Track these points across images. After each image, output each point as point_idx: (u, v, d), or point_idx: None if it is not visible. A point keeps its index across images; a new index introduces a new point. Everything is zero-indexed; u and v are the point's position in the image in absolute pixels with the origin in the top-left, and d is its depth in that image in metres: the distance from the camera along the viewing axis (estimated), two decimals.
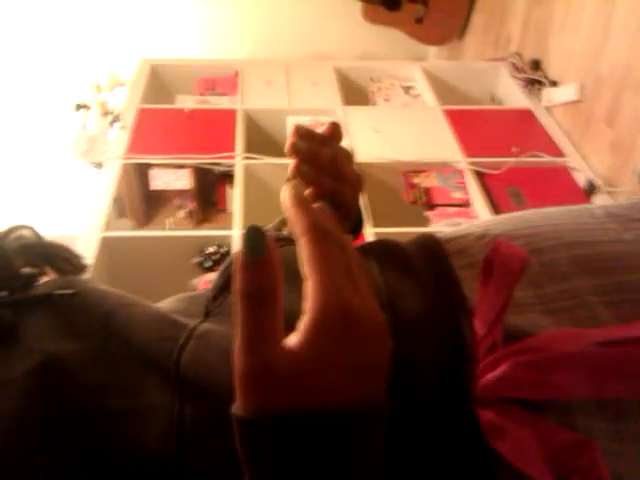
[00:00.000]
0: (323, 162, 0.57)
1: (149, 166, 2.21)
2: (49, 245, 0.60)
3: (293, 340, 0.35)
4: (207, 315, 0.56)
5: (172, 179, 2.29)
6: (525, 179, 2.11)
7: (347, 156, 0.60)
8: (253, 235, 0.36)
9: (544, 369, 0.45)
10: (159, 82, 2.77)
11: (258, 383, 0.35)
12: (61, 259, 0.60)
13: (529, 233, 0.61)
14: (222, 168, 2.23)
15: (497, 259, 0.51)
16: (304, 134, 0.57)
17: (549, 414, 0.47)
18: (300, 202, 0.39)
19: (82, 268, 0.62)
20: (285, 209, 0.39)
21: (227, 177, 2.29)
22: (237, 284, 0.36)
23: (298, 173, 0.57)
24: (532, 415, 0.46)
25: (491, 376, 0.47)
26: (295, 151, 0.56)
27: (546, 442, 0.44)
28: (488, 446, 0.45)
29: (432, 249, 0.60)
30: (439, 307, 0.53)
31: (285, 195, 0.40)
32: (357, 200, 0.63)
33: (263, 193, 2.15)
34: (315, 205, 0.40)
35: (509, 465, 0.43)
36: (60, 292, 0.53)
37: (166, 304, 0.60)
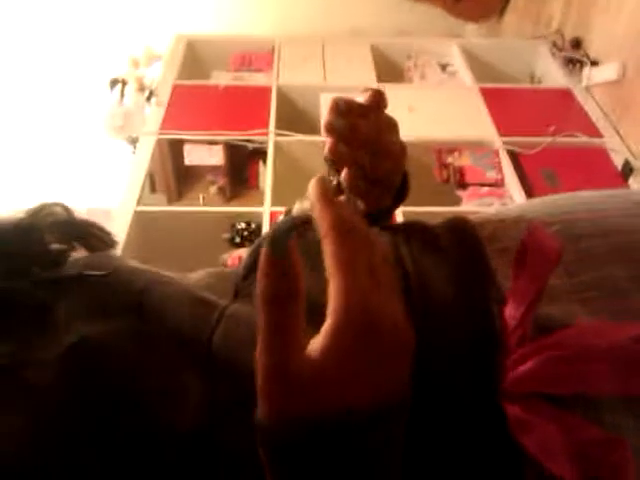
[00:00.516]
0: (362, 138, 0.56)
1: (183, 142, 2.23)
2: (80, 222, 0.60)
3: (315, 344, 0.35)
4: (237, 294, 0.55)
5: (206, 155, 2.30)
6: (561, 160, 2.06)
7: (390, 126, 0.58)
8: (277, 237, 0.36)
9: (575, 364, 0.45)
10: (194, 58, 2.77)
11: (279, 388, 0.35)
12: (92, 236, 0.60)
13: (566, 219, 0.59)
14: (255, 145, 2.24)
15: (532, 247, 0.50)
16: (342, 109, 0.55)
17: (577, 409, 0.46)
18: (326, 199, 0.38)
19: (112, 245, 0.63)
20: (311, 205, 0.38)
21: (259, 154, 2.30)
22: (259, 288, 0.36)
23: (334, 153, 0.56)
24: (560, 410, 0.45)
25: (521, 370, 0.46)
26: (331, 130, 0.55)
27: (574, 438, 0.43)
28: (515, 441, 0.44)
29: (465, 233, 0.59)
30: (471, 295, 0.52)
31: (311, 190, 0.39)
32: (400, 171, 0.62)
33: (294, 170, 2.15)
34: (341, 198, 0.40)
35: (536, 461, 0.43)
36: (92, 273, 0.53)
37: (198, 277, 0.60)
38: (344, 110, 0.55)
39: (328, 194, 0.38)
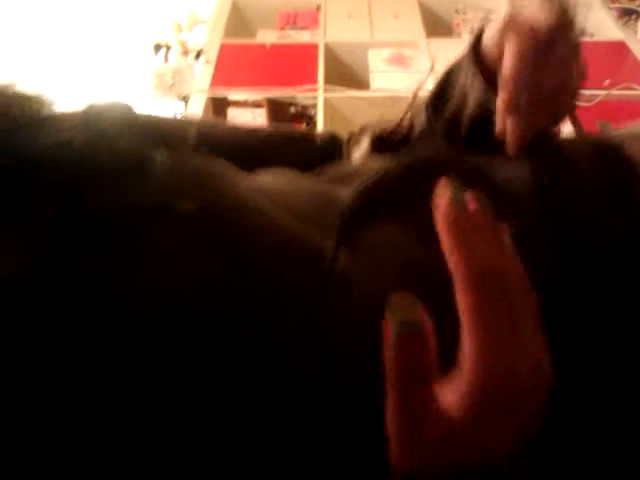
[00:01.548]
0: (544, 94, 0.52)
1: (227, 105, 2.23)
2: (158, 121, 0.56)
3: (450, 400, 0.33)
4: (340, 241, 0.49)
5: (249, 118, 2.30)
6: (617, 112, 2.02)
7: (573, 57, 0.54)
8: (402, 307, 0.32)
9: None
10: (240, 17, 2.76)
11: (413, 444, 0.33)
12: (176, 138, 0.56)
13: None
14: (302, 102, 2.23)
15: None
16: (530, 61, 0.51)
17: None
18: (460, 229, 0.32)
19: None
20: (439, 229, 0.33)
21: (303, 117, 2.29)
22: (389, 362, 0.33)
23: (511, 110, 0.52)
24: None
25: None
26: (514, 108, 0.51)
27: None
28: None
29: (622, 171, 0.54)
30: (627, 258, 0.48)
31: (439, 212, 0.33)
32: (570, 105, 0.59)
33: (344, 130, 2.13)
34: (473, 205, 0.32)
35: None
36: (181, 207, 0.44)
37: (296, 189, 0.55)
38: (531, 63, 0.50)
39: (461, 219, 0.32)
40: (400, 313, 0.32)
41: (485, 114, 0.63)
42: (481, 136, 0.65)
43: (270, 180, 0.57)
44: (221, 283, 0.42)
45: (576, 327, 0.45)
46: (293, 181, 0.57)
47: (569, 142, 0.63)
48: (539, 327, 0.32)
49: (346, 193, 0.54)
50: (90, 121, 0.48)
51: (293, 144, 0.75)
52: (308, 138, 0.76)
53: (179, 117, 0.66)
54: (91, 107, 0.51)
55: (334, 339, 0.43)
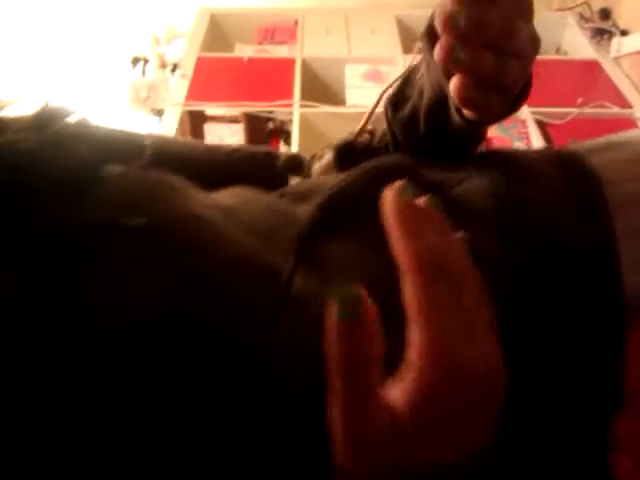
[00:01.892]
0: (490, 36, 0.44)
1: (204, 120, 2.22)
2: (112, 133, 0.54)
3: (395, 395, 0.31)
4: (298, 261, 0.47)
5: (226, 134, 2.30)
6: (589, 131, 2.04)
7: (522, 12, 0.47)
8: (346, 297, 0.31)
9: None
10: (218, 30, 2.76)
11: (358, 440, 0.31)
12: (130, 152, 0.53)
13: None
14: (278, 117, 2.23)
15: None
16: None
17: None
18: (406, 222, 0.31)
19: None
20: (386, 224, 0.32)
21: (280, 133, 2.29)
22: (330, 353, 0.31)
23: (448, 59, 0.45)
24: None
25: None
26: (450, 26, 0.44)
27: None
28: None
29: (579, 179, 0.52)
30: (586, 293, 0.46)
31: (387, 205, 0.32)
32: (528, 73, 0.50)
33: (319, 145, 2.13)
34: (423, 202, 0.32)
35: None
36: (131, 222, 0.43)
37: (252, 207, 0.53)
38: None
39: (408, 214, 0.31)
40: (342, 299, 0.31)
41: (442, 106, 0.58)
42: (439, 136, 0.63)
43: (226, 197, 0.56)
44: (171, 298, 0.41)
45: (530, 338, 0.45)
46: (250, 198, 0.57)
47: (529, 153, 0.62)
48: (492, 325, 0.32)
49: (303, 210, 0.54)
50: (42, 124, 0.47)
51: (254, 163, 0.74)
52: (270, 156, 0.75)
53: (137, 131, 0.64)
54: (43, 110, 0.49)
55: (288, 358, 0.42)
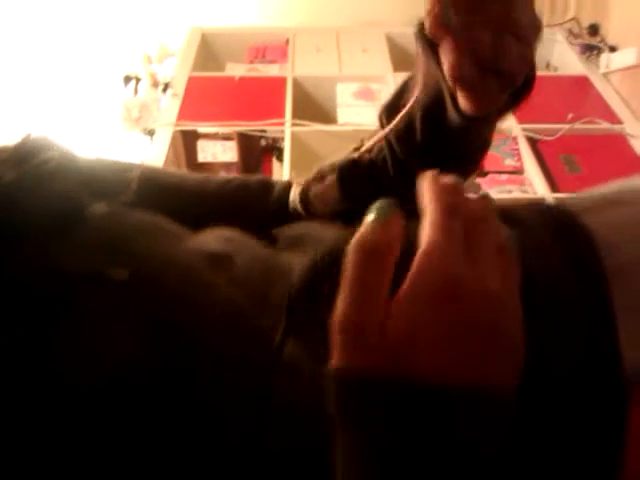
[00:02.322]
0: (487, 8, 0.41)
1: (197, 137, 2.23)
2: (97, 166, 0.53)
3: (394, 300, 0.33)
4: (289, 326, 0.45)
5: (219, 151, 2.30)
6: (580, 146, 2.05)
7: None
8: (382, 204, 0.35)
9: None
10: (209, 50, 2.78)
11: (353, 337, 0.33)
12: (115, 187, 0.53)
13: None
14: (270, 135, 2.24)
15: None
16: None
17: None
18: (441, 191, 0.35)
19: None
20: (423, 202, 0.35)
21: (273, 150, 2.29)
22: (356, 238, 0.34)
23: (438, 23, 0.42)
24: None
25: None
26: (442, 27, 0.42)
27: None
28: None
29: (577, 248, 0.51)
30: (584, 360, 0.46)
31: (424, 187, 0.36)
32: (529, 62, 0.47)
33: (311, 163, 2.13)
34: (451, 184, 0.36)
35: None
36: (113, 274, 0.42)
37: (245, 256, 0.52)
38: None
39: (445, 189, 0.35)
40: (379, 205, 0.34)
41: (438, 106, 0.55)
42: (436, 142, 0.61)
43: (219, 240, 0.54)
44: (152, 354, 0.40)
45: (528, 415, 0.43)
46: (244, 246, 0.55)
47: (523, 207, 0.60)
48: (508, 273, 0.33)
49: (296, 262, 0.52)
50: (21, 158, 0.45)
51: (247, 193, 0.72)
52: (264, 186, 0.73)
53: (124, 161, 0.63)
54: (24, 143, 0.47)
55: (283, 421, 0.40)
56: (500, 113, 0.53)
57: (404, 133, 0.64)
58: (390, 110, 0.65)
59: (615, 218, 0.54)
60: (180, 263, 0.46)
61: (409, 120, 0.62)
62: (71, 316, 0.40)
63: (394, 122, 0.62)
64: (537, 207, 0.58)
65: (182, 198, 0.66)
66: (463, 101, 0.50)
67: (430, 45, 0.49)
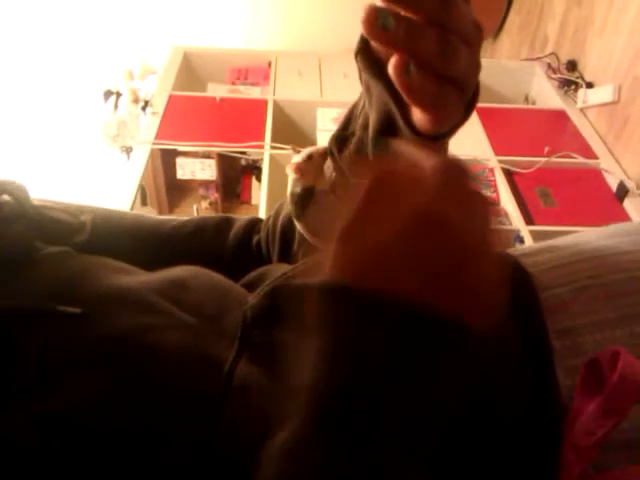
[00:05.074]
0: (426, 6, 0.38)
1: (176, 155, 2.22)
2: (44, 213, 0.53)
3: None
4: (241, 348, 0.46)
5: (198, 169, 2.30)
6: (556, 180, 2.07)
7: None
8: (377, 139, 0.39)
9: None
10: (191, 70, 2.77)
11: (352, 253, 0.34)
12: (62, 234, 0.53)
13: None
14: (249, 157, 2.23)
15: (617, 379, 0.43)
16: None
17: None
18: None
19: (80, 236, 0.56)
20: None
21: (253, 169, 2.29)
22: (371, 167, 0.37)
23: (372, 26, 0.38)
24: None
25: None
26: (382, 34, 0.38)
27: None
28: None
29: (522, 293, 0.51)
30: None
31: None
32: (477, 69, 0.43)
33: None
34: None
35: None
36: (65, 310, 0.42)
37: (196, 284, 0.52)
38: None
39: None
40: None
41: (389, 126, 0.52)
42: None
43: (176, 270, 0.54)
44: (101, 393, 0.39)
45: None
46: (194, 271, 0.55)
47: None
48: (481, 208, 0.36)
49: (250, 292, 0.52)
50: None
51: (202, 235, 0.71)
52: (221, 227, 0.73)
53: (77, 203, 0.64)
54: None
55: (232, 448, 0.40)
56: (453, 130, 0.49)
57: (356, 154, 0.61)
58: (339, 141, 0.63)
59: (549, 258, 0.55)
60: (131, 294, 0.46)
61: (360, 145, 0.59)
62: (18, 352, 0.39)
63: (345, 153, 0.61)
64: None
65: (137, 240, 0.66)
66: (421, 117, 0.46)
67: (374, 63, 0.48)
